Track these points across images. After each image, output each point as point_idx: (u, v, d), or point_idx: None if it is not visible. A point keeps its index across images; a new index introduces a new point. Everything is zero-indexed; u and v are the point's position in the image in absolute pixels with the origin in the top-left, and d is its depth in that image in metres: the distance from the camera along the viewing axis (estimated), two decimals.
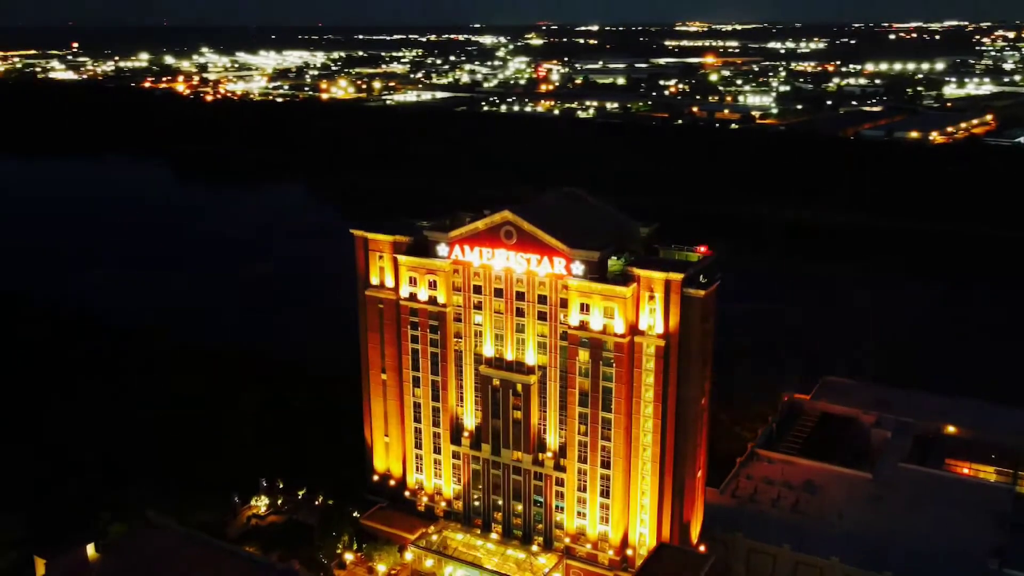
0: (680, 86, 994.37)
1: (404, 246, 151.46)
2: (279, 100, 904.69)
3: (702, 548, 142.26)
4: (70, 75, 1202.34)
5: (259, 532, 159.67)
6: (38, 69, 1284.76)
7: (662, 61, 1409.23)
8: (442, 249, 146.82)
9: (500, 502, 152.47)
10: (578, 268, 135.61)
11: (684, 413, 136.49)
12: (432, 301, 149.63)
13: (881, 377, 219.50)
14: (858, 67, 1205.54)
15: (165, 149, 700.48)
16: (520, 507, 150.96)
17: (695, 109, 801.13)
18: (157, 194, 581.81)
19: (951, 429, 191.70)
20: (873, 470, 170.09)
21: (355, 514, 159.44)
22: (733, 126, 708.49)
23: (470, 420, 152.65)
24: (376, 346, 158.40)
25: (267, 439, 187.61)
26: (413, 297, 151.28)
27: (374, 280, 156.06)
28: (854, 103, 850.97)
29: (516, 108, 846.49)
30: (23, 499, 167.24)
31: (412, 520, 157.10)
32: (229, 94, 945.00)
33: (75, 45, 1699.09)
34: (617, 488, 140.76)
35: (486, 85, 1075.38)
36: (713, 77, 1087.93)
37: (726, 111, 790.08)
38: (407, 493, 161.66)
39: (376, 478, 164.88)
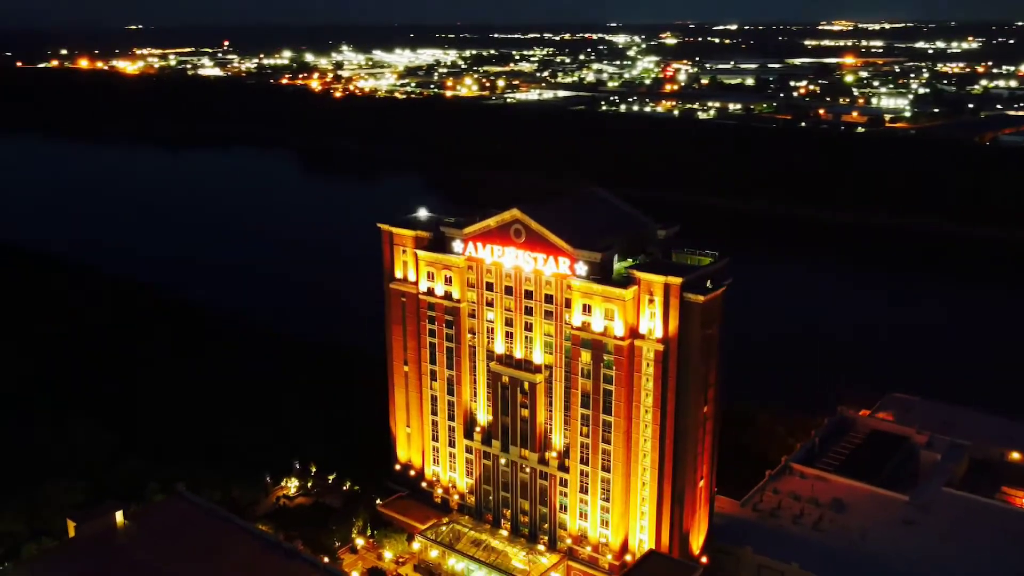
0: (811, 87, 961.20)
1: (425, 241, 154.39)
2: (403, 97, 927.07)
3: (704, 559, 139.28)
4: (217, 72, 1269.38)
5: (284, 512, 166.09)
6: (188, 66, 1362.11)
7: (797, 61, 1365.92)
8: (457, 245, 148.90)
9: (509, 499, 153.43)
10: (581, 268, 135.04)
11: (684, 420, 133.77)
12: (447, 296, 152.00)
13: (957, 397, 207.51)
14: (1011, 68, 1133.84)
15: (292, 142, 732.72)
16: (527, 505, 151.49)
17: (821, 111, 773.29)
18: (278, 185, 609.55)
19: (1015, 456, 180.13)
20: (912, 492, 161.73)
21: (378, 501, 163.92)
22: (859, 129, 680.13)
23: (483, 416, 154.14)
24: (399, 338, 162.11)
25: (310, 424, 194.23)
26: (431, 292, 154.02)
27: (398, 274, 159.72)
28: (999, 107, 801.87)
29: (635, 108, 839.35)
30: (93, 468, 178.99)
31: (427, 511, 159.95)
32: (358, 91, 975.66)
33: (226, 43, 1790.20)
34: (617, 492, 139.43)
35: (610, 84, 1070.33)
36: (848, 78, 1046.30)
37: (855, 113, 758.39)
38: (424, 484, 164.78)
39: (398, 467, 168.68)
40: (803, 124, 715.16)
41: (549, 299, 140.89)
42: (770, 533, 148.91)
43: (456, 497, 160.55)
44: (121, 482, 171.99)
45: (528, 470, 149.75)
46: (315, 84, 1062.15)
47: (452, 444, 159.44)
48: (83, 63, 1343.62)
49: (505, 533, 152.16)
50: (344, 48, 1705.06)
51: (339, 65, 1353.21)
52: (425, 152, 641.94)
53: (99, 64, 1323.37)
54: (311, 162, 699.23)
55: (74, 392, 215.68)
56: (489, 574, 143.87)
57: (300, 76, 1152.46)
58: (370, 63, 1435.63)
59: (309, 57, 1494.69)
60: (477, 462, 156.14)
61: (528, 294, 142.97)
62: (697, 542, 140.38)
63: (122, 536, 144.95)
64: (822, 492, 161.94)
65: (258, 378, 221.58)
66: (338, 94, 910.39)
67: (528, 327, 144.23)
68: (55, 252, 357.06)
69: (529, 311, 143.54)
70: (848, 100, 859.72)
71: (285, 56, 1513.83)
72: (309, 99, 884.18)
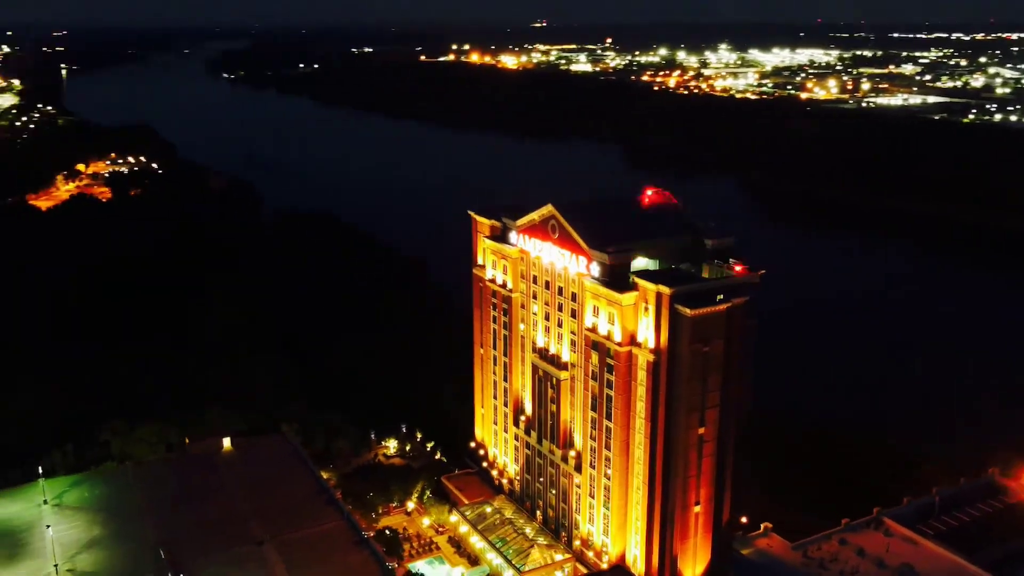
0: None
1: (498, 230, 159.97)
2: (753, 98, 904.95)
3: None
4: (587, 67, 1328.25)
5: (372, 468, 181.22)
6: (563, 61, 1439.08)
7: None
8: (513, 237, 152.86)
9: (541, 490, 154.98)
10: (595, 269, 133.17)
11: (674, 438, 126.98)
12: (503, 285, 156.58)
13: None
14: None
15: (628, 138, 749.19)
16: (553, 499, 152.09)
17: None
18: (600, 178, 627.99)
19: None
20: None
21: (456, 472, 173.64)
22: None
23: (529, 406, 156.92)
24: (478, 321, 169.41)
25: (437, 391, 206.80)
26: (493, 280, 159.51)
27: (480, 260, 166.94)
28: None
29: (1013, 119, 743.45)
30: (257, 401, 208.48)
31: (483, 490, 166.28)
32: (707, 90, 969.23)
33: (608, 40, 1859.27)
34: (615, 502, 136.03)
35: (998, 92, 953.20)
36: None
37: None
38: (485, 464, 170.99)
39: (473, 445, 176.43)
40: None
41: (574, 297, 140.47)
42: None
43: (505, 481, 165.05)
44: (267, 415, 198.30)
45: (553, 465, 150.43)
46: (673, 82, 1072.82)
47: (506, 430, 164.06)
48: (474, 57, 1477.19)
49: (537, 524, 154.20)
50: (721, 46, 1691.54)
51: (704, 63, 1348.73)
52: (743, 155, 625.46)
53: (487, 59, 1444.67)
54: (632, 158, 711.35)
55: (284, 333, 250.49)
56: (497, 558, 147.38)
57: (661, 73, 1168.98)
58: (740, 62, 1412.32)
59: (681, 55, 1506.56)
60: (521, 450, 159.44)
61: (560, 291, 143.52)
62: (692, 570, 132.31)
63: (219, 458, 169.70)
64: (899, 555, 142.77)
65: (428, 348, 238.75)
66: (684, 92, 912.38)
67: (560, 323, 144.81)
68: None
69: (561, 307, 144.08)
70: None
71: (660, 53, 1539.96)
72: (661, 96, 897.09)
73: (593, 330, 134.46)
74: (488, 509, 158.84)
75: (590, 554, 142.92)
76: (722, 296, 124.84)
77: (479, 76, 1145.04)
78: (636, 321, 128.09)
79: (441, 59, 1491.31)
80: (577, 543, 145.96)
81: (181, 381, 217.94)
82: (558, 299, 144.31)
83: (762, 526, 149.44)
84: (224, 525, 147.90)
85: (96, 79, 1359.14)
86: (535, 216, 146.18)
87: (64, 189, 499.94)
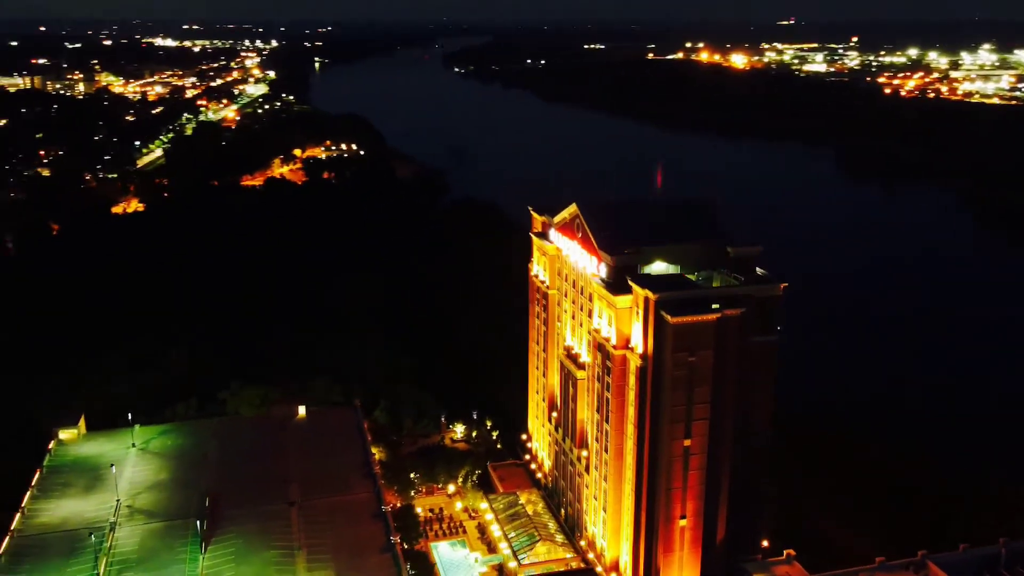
0: None
1: (545, 227, 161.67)
2: (997, 103, 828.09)
3: None
4: (821, 68, 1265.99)
5: (433, 449, 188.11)
6: (796, 61, 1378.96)
7: None
8: (552, 234, 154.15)
9: (564, 486, 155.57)
10: (603, 270, 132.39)
11: (658, 448, 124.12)
12: (543, 282, 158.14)
13: None
14: None
15: (844, 142, 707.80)
16: (571, 497, 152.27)
17: None
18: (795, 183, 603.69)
19: None
20: None
21: (505, 461, 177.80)
22: None
23: (559, 403, 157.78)
24: (531, 316, 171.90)
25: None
26: (537, 276, 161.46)
27: (535, 255, 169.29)
28: None
29: None
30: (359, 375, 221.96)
31: (522, 482, 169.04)
32: (950, 94, 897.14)
33: (854, 39, 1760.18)
34: (610, 505, 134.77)
35: None
36: None
37: None
38: (527, 456, 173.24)
39: (524, 437, 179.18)
40: None
41: (591, 298, 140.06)
42: None
43: (540, 476, 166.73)
44: (368, 390, 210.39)
45: (572, 464, 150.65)
46: (910, 84, 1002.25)
47: (543, 425, 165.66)
48: (703, 56, 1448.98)
49: (559, 521, 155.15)
50: (984, 47, 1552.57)
51: (955, 64, 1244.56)
52: (966, 163, 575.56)
53: (716, 58, 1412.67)
54: (844, 162, 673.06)
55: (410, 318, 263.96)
56: (508, 548, 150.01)
57: (901, 75, 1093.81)
58: (1000, 63, 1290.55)
59: (932, 55, 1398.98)
60: (552, 446, 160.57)
61: (582, 290, 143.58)
62: None
63: (290, 424, 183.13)
64: None
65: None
66: (916, 94, 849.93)
67: (580, 323, 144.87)
68: None
69: (581, 307, 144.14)
70: None
71: (908, 54, 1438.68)
72: (879, 99, 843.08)
73: (598, 331, 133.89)
74: (517, 500, 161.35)
75: (591, 555, 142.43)
76: (717, 306, 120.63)
77: (702, 75, 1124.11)
78: (631, 325, 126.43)
79: (668, 57, 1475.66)
80: (584, 543, 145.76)
81: (308, 353, 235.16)
82: (580, 299, 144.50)
83: (784, 553, 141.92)
84: (269, 484, 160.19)
85: (342, 71, 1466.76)
86: (566, 215, 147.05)
87: (277, 172, 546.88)
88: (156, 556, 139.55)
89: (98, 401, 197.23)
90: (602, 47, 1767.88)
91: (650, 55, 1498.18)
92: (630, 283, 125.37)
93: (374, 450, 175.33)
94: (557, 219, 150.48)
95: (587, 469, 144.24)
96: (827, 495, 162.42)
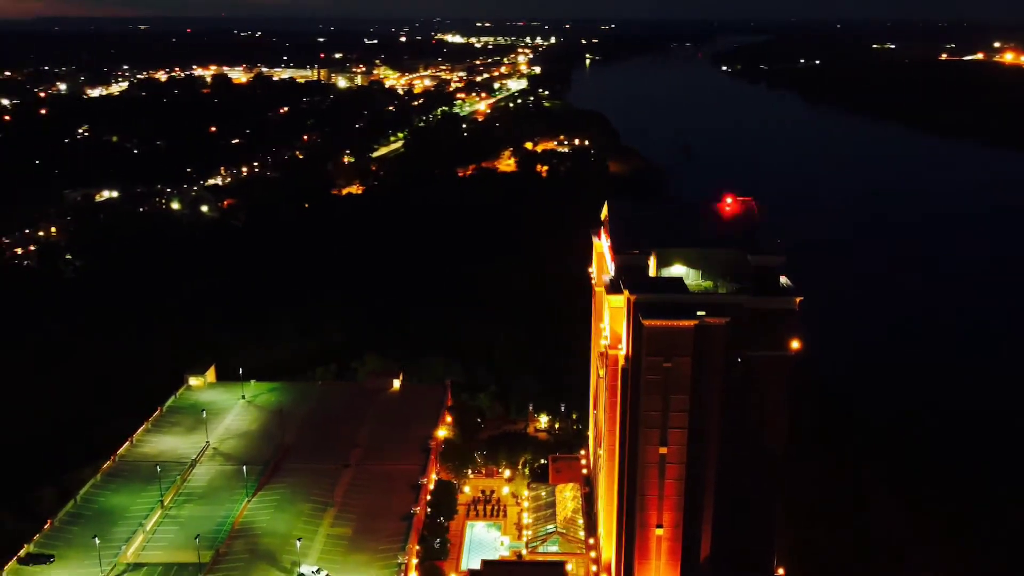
0: None
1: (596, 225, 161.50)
2: None
3: None
4: None
5: (510, 435, 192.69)
6: None
7: None
8: (601, 232, 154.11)
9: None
10: (613, 269, 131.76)
11: (634, 452, 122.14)
12: (593, 280, 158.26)
13: None
14: None
15: None
16: (596, 493, 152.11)
17: None
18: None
19: None
20: None
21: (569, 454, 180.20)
22: None
23: (592, 400, 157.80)
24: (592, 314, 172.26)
25: None
26: (592, 273, 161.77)
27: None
28: None
29: None
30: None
31: (575, 475, 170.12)
32: None
33: None
34: (603, 506, 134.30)
35: None
36: None
37: None
38: (582, 451, 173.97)
39: (589, 432, 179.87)
40: None
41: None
42: None
43: (585, 471, 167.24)
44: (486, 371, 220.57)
45: (596, 461, 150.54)
46: None
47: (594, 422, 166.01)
48: (1007, 57, 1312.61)
49: (591, 516, 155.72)
50: None
51: None
52: None
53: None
54: None
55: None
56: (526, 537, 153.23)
57: None
58: None
59: None
60: (593, 441, 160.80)
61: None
62: None
63: (381, 394, 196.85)
64: None
65: None
66: None
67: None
68: None
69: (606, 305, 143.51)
70: None
71: None
72: None
73: (603, 330, 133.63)
74: (553, 493, 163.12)
75: (593, 554, 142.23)
76: (703, 313, 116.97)
77: (1006, 78, 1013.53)
78: (622, 325, 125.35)
79: (966, 58, 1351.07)
80: (592, 541, 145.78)
81: (450, 333, 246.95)
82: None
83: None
84: (335, 446, 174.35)
85: (610, 68, 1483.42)
86: (603, 214, 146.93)
87: (503, 164, 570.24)
88: (215, 495, 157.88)
89: (253, 358, 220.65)
90: (892, 47, 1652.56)
91: (943, 56, 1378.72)
92: (622, 284, 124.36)
93: (449, 429, 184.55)
94: (603, 216, 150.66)
95: (598, 468, 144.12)
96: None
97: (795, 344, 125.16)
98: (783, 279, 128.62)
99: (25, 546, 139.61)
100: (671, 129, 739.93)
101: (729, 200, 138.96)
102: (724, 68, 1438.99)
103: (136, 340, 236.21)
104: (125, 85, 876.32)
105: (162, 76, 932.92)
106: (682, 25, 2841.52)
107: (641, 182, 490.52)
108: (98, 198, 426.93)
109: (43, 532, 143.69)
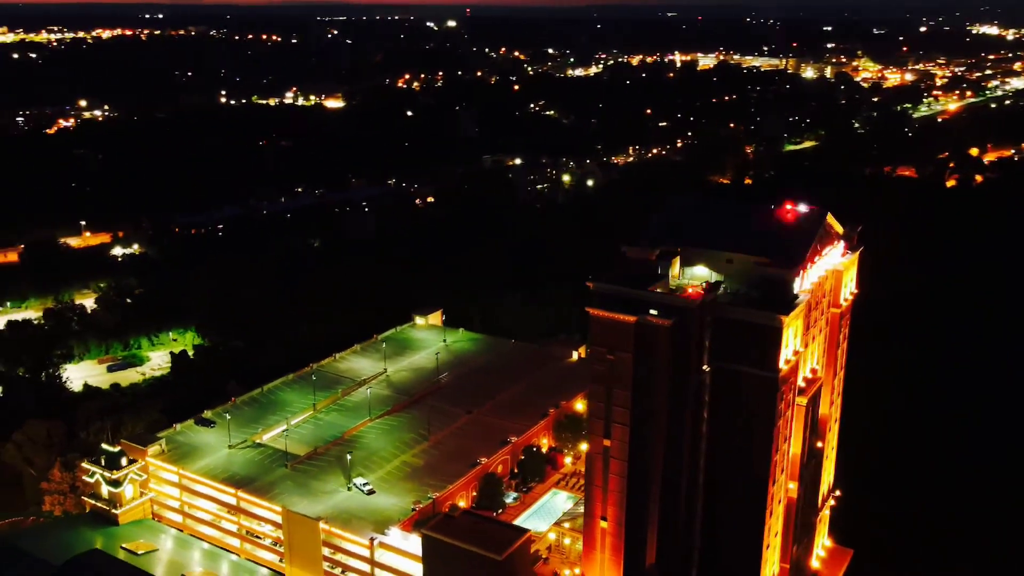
0: None
1: None
2: None
3: None
4: None
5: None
6: None
7: None
8: None
9: None
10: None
11: (592, 451, 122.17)
12: None
13: None
14: None
15: None
16: None
17: None
18: None
19: None
20: None
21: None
22: None
23: None
24: None
25: None
26: None
27: None
28: None
29: None
30: None
31: None
32: None
33: None
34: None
35: None
36: None
37: None
38: None
39: None
40: None
41: None
42: None
43: None
44: None
45: None
46: None
47: None
48: None
49: None
50: None
51: None
52: None
53: None
54: None
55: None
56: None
57: None
58: None
59: None
60: None
61: None
62: None
63: (556, 362, 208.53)
64: None
65: None
66: None
67: None
68: None
69: None
70: None
71: None
72: None
73: None
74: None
75: None
76: (656, 312, 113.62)
77: None
78: None
79: None
80: None
81: None
82: None
83: None
84: (478, 394, 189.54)
85: None
86: None
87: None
88: (355, 411, 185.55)
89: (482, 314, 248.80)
90: None
91: None
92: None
93: (583, 401, 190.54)
94: None
95: None
96: None
97: (785, 365, 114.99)
98: (802, 294, 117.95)
99: (206, 411, 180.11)
100: None
101: (788, 207, 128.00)
102: None
103: (426, 282, 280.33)
104: (600, 68, 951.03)
105: (635, 60, 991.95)
106: None
107: None
108: (509, 163, 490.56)
109: (225, 406, 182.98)
